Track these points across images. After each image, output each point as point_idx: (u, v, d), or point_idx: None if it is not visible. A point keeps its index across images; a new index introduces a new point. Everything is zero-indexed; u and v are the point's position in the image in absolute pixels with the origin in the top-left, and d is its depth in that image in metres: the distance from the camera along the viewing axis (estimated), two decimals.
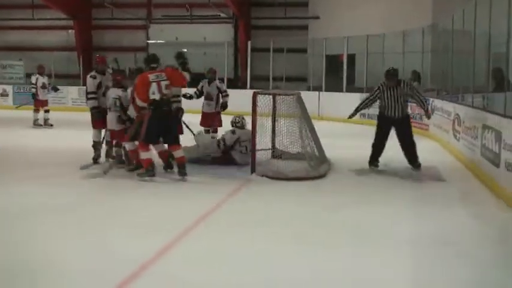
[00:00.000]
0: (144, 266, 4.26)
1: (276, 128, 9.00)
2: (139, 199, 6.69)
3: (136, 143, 7.76)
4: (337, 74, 18.43)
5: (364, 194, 7.04)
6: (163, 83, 7.54)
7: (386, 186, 7.48)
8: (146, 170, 7.58)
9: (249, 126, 8.51)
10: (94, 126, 8.81)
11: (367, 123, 15.05)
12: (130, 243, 4.88)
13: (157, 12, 24.46)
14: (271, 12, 22.86)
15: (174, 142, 7.78)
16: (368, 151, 8.55)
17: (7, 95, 21.43)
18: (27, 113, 14.82)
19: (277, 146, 9.12)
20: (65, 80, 22.15)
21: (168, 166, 8.09)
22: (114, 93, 8.31)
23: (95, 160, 8.73)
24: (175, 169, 7.75)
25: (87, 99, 8.84)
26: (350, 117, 8.57)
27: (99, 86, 8.70)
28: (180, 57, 8.68)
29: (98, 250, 4.72)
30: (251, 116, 8.12)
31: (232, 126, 8.99)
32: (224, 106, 10.57)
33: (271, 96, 8.91)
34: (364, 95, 10.08)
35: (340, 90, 17.87)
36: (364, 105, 8.63)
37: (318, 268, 4.38)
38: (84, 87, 9.51)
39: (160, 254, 4.55)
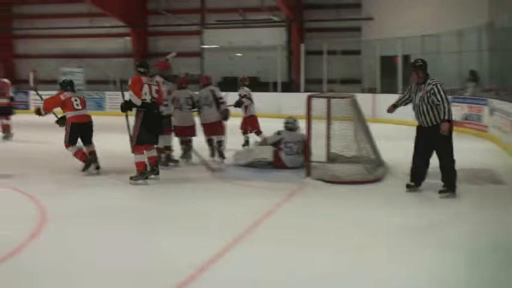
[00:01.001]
0: (202, 269, 4.34)
1: (331, 131, 8.98)
2: (194, 202, 6.83)
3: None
4: (392, 75, 18.20)
5: (420, 198, 6.94)
6: (153, 87, 7.88)
7: None
8: (140, 173, 7.69)
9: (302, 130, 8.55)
10: (163, 133, 8.53)
11: None
12: (189, 245, 4.99)
13: (211, 18, 24.83)
14: (323, 14, 22.86)
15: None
16: None
17: None
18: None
19: (332, 149, 9.10)
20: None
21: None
22: (186, 94, 9.39)
23: (172, 161, 9.12)
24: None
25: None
26: (388, 111, 7.54)
27: (168, 93, 9.00)
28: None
29: (156, 252, 4.86)
30: (305, 119, 8.07)
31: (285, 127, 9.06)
32: (223, 113, 9.74)
33: (325, 100, 8.91)
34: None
35: (395, 92, 17.58)
36: (398, 102, 7.36)
37: (381, 277, 4.33)
38: None
39: (217, 257, 4.64)
